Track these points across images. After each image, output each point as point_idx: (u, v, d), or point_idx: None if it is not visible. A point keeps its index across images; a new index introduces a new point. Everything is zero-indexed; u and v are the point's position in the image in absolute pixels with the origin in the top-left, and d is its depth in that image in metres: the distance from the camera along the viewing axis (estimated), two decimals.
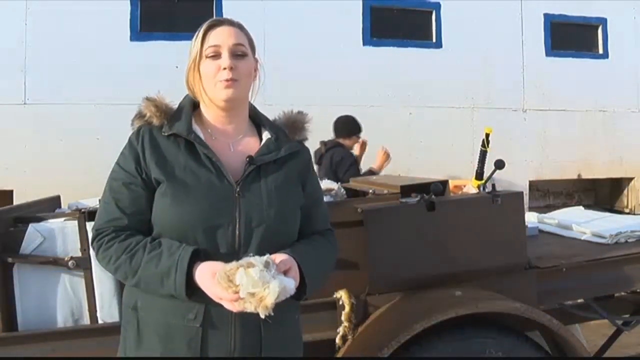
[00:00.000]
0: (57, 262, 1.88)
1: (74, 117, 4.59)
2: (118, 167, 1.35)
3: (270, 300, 1.13)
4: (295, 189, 1.40)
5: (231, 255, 1.24)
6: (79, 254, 1.89)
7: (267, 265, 1.17)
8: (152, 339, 1.29)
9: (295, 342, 1.42)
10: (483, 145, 2.67)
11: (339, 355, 1.95)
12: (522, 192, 2.23)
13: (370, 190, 2.40)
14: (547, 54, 5.77)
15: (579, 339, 2.02)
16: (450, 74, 5.39)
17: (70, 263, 1.88)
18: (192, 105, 1.41)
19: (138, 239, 1.29)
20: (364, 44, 5.33)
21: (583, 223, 2.73)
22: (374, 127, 4.33)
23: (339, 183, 2.70)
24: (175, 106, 1.40)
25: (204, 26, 1.36)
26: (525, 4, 5.71)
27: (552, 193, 6.27)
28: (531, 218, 3.01)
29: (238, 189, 1.30)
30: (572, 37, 5.91)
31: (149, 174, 1.31)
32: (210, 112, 1.40)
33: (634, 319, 2.60)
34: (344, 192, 2.56)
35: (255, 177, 1.34)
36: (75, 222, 1.91)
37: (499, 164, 2.43)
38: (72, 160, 4.55)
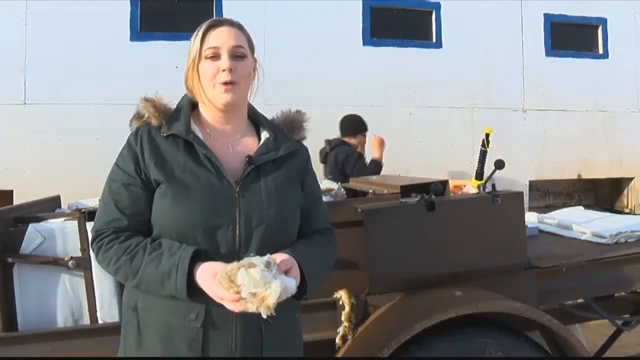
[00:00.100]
0: (57, 262, 1.88)
1: (74, 117, 4.59)
2: (117, 168, 1.35)
3: (272, 300, 1.13)
4: (294, 189, 1.39)
5: (231, 255, 1.24)
6: (79, 254, 1.89)
7: (268, 265, 1.17)
8: (153, 340, 1.29)
9: (296, 342, 1.43)
10: (483, 145, 2.68)
11: (339, 355, 1.95)
12: (522, 192, 2.23)
13: (370, 190, 2.40)
14: (547, 54, 5.77)
15: (579, 339, 2.02)
16: (450, 74, 5.38)
17: (70, 263, 1.88)
18: (191, 105, 1.41)
19: (138, 239, 1.29)
20: (364, 44, 5.33)
21: (583, 223, 2.73)
22: (374, 127, 4.33)
23: (348, 179, 2.69)
24: (174, 106, 1.40)
25: (204, 26, 1.35)
26: (525, 4, 5.71)
27: (552, 193, 6.27)
28: (531, 218, 3.01)
29: (238, 189, 1.30)
30: (572, 37, 5.91)
31: (148, 174, 1.31)
32: (209, 113, 1.39)
33: (634, 319, 2.60)
34: (344, 192, 2.56)
35: (254, 176, 1.34)
36: (75, 222, 1.91)
37: (499, 164, 2.44)
38: (72, 161, 4.55)
